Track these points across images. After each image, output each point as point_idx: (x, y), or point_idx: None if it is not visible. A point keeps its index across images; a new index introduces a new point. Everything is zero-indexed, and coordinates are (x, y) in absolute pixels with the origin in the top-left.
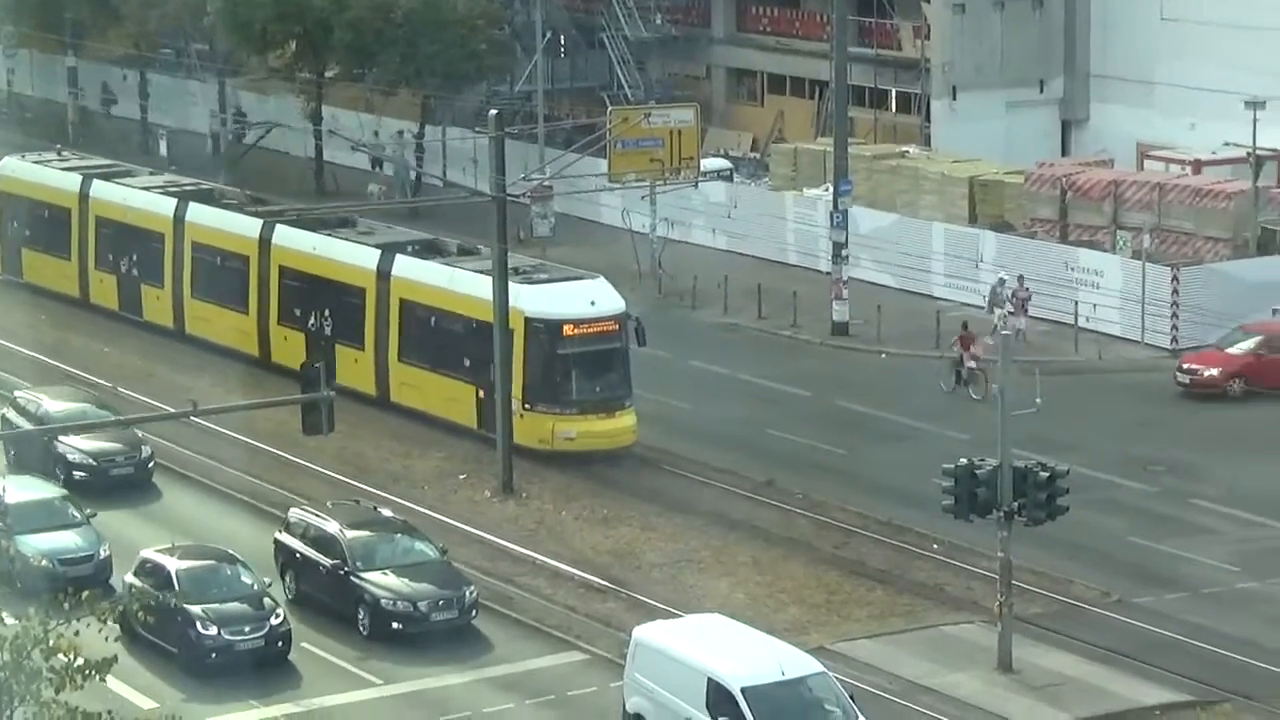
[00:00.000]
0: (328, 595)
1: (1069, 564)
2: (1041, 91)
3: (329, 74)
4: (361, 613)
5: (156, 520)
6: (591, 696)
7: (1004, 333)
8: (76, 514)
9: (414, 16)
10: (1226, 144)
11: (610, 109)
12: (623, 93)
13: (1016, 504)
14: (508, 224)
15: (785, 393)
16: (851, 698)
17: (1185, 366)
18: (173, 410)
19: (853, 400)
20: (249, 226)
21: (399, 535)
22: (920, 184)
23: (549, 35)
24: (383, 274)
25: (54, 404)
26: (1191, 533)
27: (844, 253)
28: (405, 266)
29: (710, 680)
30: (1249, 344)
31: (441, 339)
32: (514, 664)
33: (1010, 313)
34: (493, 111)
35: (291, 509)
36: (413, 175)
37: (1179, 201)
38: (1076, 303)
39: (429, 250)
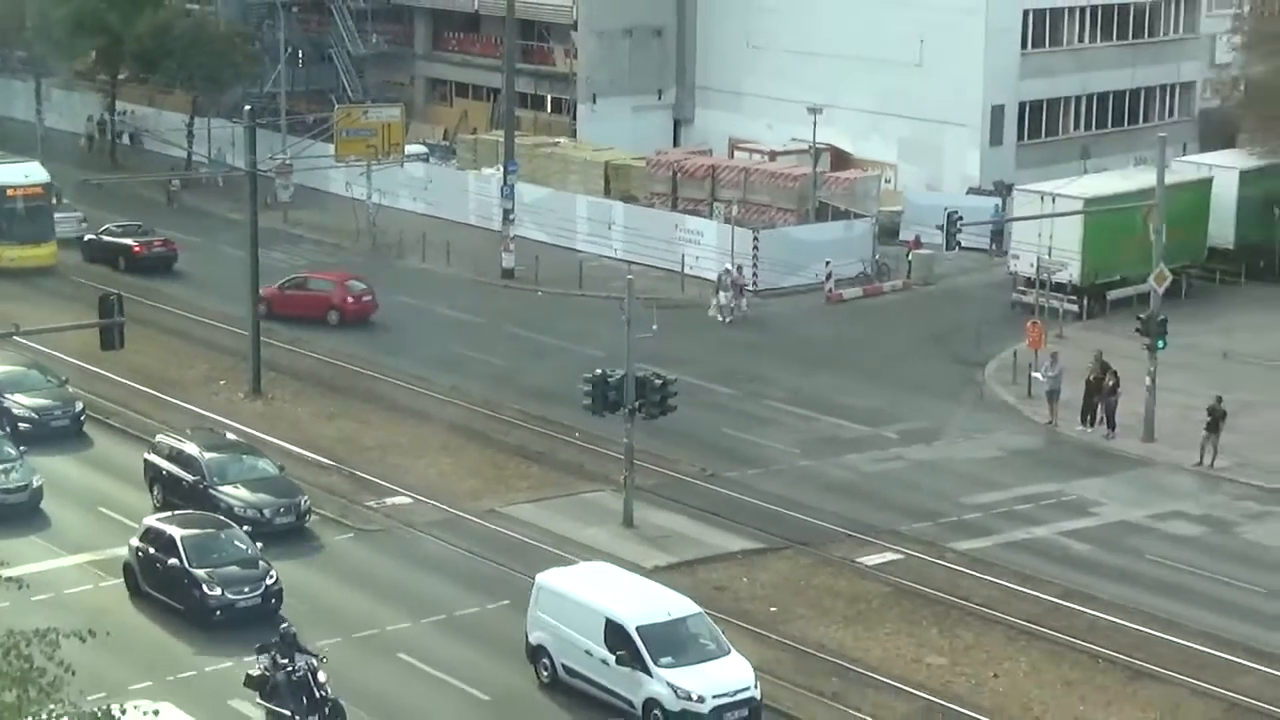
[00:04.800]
0: (189, 504)
1: (677, 448)
2: (659, 98)
3: (121, 76)
4: (235, 526)
5: (98, 466)
6: (320, 549)
7: (725, 306)
8: (11, 450)
9: (187, 34)
10: (794, 139)
11: (337, 106)
12: (346, 94)
13: (638, 403)
14: (258, 192)
15: (467, 320)
16: (721, 632)
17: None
18: None
19: (517, 326)
20: None
21: (245, 455)
22: (568, 166)
23: (290, 49)
24: None
25: None
26: (766, 425)
27: (511, 216)
28: None
29: (608, 620)
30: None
31: None
32: None
33: (731, 292)
34: (247, 107)
35: (158, 435)
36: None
37: (759, 181)
38: (683, 255)
39: None
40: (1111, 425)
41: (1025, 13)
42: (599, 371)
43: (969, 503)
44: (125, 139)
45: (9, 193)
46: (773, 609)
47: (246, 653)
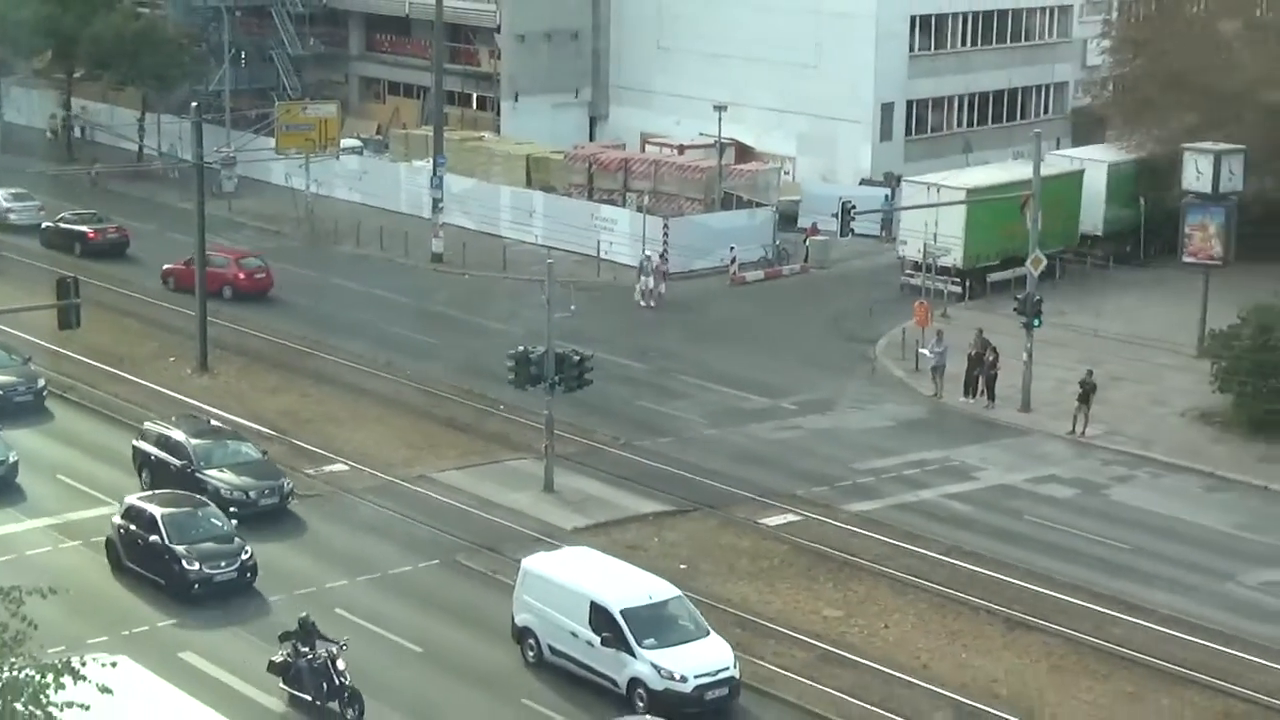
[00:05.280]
0: (177, 488)
1: (593, 419)
2: (576, 97)
3: (76, 74)
4: (212, 504)
5: (58, 438)
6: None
7: (648, 291)
8: None
9: (138, 36)
10: (701, 134)
11: (277, 103)
12: (286, 92)
13: (558, 378)
14: (205, 183)
15: (399, 301)
16: (700, 614)
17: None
18: None
19: (446, 307)
20: None
21: (229, 440)
22: (492, 159)
23: (233, 50)
24: None
25: None
26: (675, 398)
27: (440, 205)
28: None
29: (592, 603)
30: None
31: None
32: None
33: (653, 278)
34: (194, 103)
35: (145, 422)
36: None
37: (669, 174)
38: (599, 242)
39: None
40: (991, 397)
41: (912, 18)
42: (522, 348)
43: (861, 468)
44: (77, 133)
45: None
46: (682, 566)
47: (192, 610)
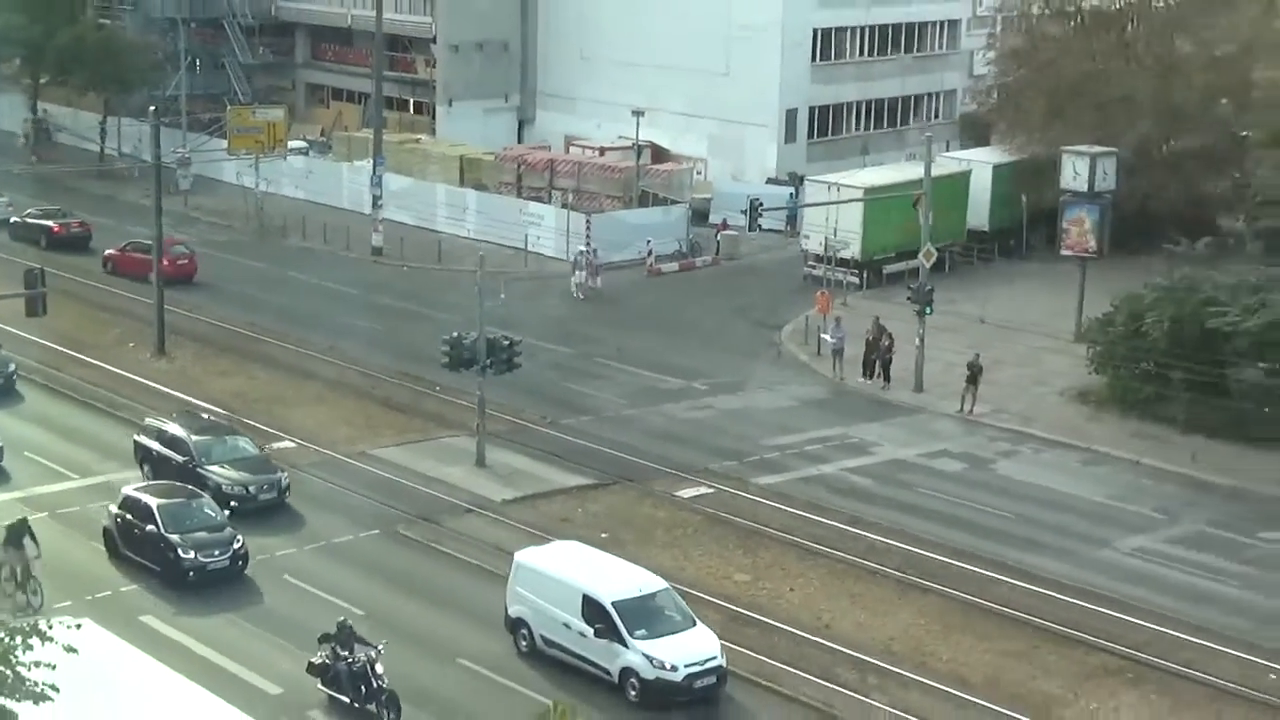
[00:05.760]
0: (179, 482)
1: (522, 399)
2: (506, 102)
3: (42, 80)
4: (205, 495)
5: (27, 418)
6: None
7: (582, 284)
8: None
9: (99, 45)
10: (620, 137)
11: (229, 107)
12: (237, 97)
13: (489, 361)
14: (162, 181)
15: (342, 291)
16: (688, 606)
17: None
18: None
19: (386, 296)
20: None
21: (228, 437)
22: (429, 159)
23: (189, 59)
24: None
25: None
26: (597, 379)
27: (380, 202)
28: None
29: (585, 595)
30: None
31: None
32: None
33: (586, 272)
34: (152, 108)
35: (146, 418)
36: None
37: (591, 173)
38: (526, 236)
39: None
40: (887, 378)
41: (814, 31)
42: (456, 334)
43: (768, 444)
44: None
45: None
46: (603, 535)
47: (148, 578)
